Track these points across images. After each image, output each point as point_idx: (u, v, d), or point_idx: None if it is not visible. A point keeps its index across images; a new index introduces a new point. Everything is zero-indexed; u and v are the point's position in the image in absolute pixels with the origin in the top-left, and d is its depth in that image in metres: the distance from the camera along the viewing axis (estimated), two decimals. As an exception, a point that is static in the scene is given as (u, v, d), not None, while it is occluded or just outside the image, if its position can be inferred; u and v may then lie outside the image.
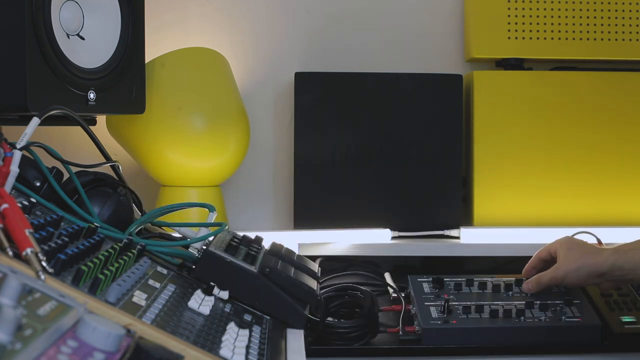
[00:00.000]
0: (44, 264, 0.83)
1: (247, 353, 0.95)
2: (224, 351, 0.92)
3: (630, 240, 1.55)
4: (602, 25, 1.95)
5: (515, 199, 1.90)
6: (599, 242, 1.62)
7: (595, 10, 1.95)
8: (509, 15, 1.95)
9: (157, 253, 1.22)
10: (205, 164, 1.81)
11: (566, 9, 1.95)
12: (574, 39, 1.96)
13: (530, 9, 1.95)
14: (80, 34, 1.54)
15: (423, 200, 1.89)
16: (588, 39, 1.96)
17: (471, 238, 1.84)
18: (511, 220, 1.90)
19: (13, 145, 1.14)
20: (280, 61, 2.05)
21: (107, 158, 1.42)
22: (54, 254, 0.89)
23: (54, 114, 1.25)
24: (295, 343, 1.11)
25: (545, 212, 1.90)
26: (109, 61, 1.57)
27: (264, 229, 1.92)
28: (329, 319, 1.45)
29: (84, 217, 1.22)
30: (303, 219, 1.87)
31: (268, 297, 1.18)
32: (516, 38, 1.95)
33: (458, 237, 1.85)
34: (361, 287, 1.53)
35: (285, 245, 1.41)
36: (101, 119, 1.81)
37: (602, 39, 1.96)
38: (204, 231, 1.31)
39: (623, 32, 1.96)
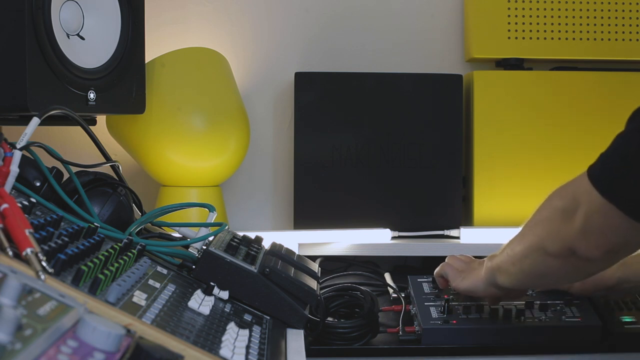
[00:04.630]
0: (44, 264, 0.83)
1: (247, 353, 0.95)
2: (224, 351, 0.92)
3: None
4: (602, 25, 1.95)
5: (515, 199, 1.90)
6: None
7: (595, 10, 1.95)
8: (509, 15, 1.95)
9: (157, 253, 1.22)
10: (205, 164, 1.81)
11: (566, 9, 1.95)
12: (574, 39, 1.96)
13: (530, 9, 1.95)
14: (80, 34, 1.54)
15: (423, 200, 1.89)
16: (588, 39, 1.96)
17: (471, 238, 1.84)
18: (511, 220, 1.89)
19: (13, 145, 1.14)
20: (280, 61, 2.05)
21: (107, 158, 1.42)
22: (54, 254, 0.89)
23: (54, 114, 1.25)
24: (295, 343, 1.11)
25: (545, 212, 1.90)
26: (109, 61, 1.57)
27: (264, 229, 1.92)
28: (329, 319, 1.45)
29: (84, 217, 1.22)
30: (303, 219, 1.87)
31: (268, 297, 1.18)
32: (516, 38, 1.95)
33: (458, 237, 1.85)
34: (361, 287, 1.53)
35: (285, 245, 1.41)
36: (101, 119, 1.81)
37: (602, 39, 1.96)
38: (204, 231, 1.31)
39: (623, 32, 1.96)
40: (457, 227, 1.86)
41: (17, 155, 1.13)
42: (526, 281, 1.32)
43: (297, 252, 1.40)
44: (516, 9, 1.95)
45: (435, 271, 1.50)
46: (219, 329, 0.99)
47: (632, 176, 1.08)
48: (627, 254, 1.17)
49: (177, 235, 1.38)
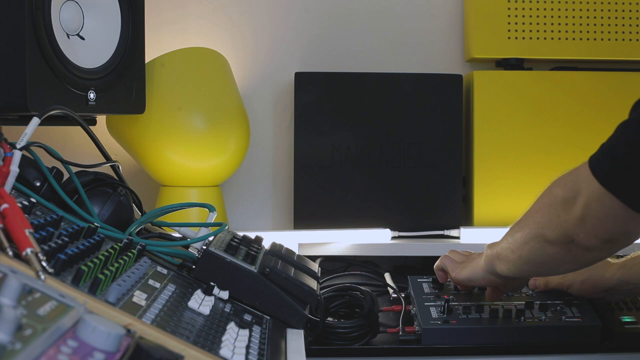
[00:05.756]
0: (44, 264, 0.83)
1: (247, 353, 0.95)
2: (224, 351, 0.92)
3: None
4: (602, 25, 1.95)
5: (515, 199, 1.90)
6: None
7: (595, 10, 1.95)
8: (509, 15, 1.95)
9: (157, 253, 1.22)
10: (205, 164, 1.81)
11: (566, 9, 1.95)
12: (574, 39, 1.96)
13: (530, 9, 1.95)
14: (80, 34, 1.54)
15: (423, 200, 1.89)
16: (588, 39, 1.96)
17: (471, 238, 1.84)
18: (511, 220, 1.87)
19: (13, 145, 1.14)
20: (280, 61, 2.05)
21: (107, 158, 1.42)
22: (54, 254, 0.89)
23: (54, 114, 1.25)
24: (295, 343, 1.11)
25: (545, 212, 1.90)
26: (109, 61, 1.57)
27: (264, 229, 1.92)
28: (329, 319, 1.45)
29: (84, 217, 1.22)
30: (303, 219, 1.87)
31: (268, 297, 1.18)
32: (516, 38, 1.95)
33: (458, 237, 1.85)
34: (361, 287, 1.53)
35: (285, 245, 1.41)
36: (101, 119, 1.81)
37: (602, 39, 1.96)
38: (204, 231, 1.31)
39: (623, 32, 1.96)
40: (457, 227, 1.86)
41: (17, 155, 1.13)
42: (525, 269, 1.31)
43: (297, 252, 1.40)
44: (516, 9, 1.95)
45: (435, 264, 1.50)
46: (219, 329, 0.99)
47: (633, 166, 1.08)
48: (626, 244, 1.17)
49: (177, 235, 1.38)
